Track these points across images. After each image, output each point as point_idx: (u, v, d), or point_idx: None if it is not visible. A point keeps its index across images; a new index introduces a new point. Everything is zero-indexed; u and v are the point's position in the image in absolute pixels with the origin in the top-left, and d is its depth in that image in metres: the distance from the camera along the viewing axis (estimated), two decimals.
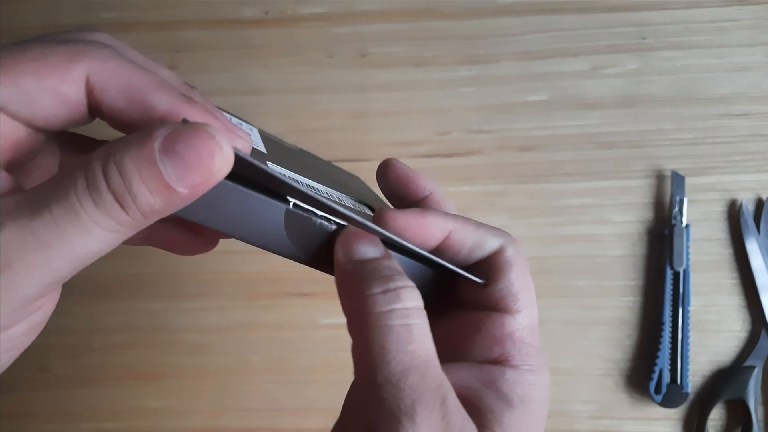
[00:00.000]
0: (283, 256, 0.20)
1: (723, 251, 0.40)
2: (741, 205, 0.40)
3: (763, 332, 0.39)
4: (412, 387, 0.17)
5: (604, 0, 0.42)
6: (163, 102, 0.16)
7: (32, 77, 0.15)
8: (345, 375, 0.44)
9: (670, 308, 0.39)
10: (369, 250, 0.19)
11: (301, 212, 0.19)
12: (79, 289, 0.42)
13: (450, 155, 0.42)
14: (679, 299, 0.39)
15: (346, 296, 0.19)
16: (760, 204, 0.40)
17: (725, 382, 0.39)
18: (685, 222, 0.40)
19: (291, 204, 0.19)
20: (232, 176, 0.16)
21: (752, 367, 0.39)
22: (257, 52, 0.42)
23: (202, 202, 0.16)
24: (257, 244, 0.19)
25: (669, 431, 0.40)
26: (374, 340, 0.18)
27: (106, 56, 0.16)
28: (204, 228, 0.19)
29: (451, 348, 0.21)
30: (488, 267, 0.22)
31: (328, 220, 0.20)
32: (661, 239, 0.40)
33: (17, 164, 0.17)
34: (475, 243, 0.21)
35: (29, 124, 0.16)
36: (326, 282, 0.43)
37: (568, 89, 0.42)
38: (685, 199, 0.40)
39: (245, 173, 0.17)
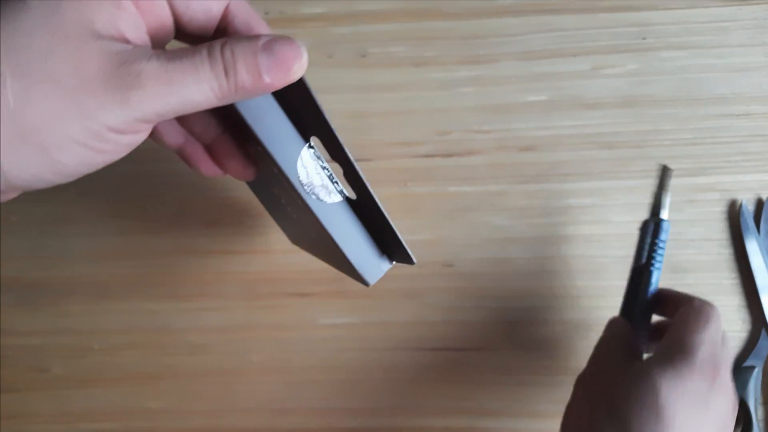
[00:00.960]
0: (284, 173, 0.24)
1: (723, 251, 0.40)
2: (741, 206, 0.40)
3: (763, 332, 0.39)
4: None
5: (604, 0, 0.42)
6: (264, 33, 0.23)
7: None
8: (345, 375, 0.44)
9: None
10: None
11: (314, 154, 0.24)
12: (79, 290, 0.42)
13: (450, 155, 0.42)
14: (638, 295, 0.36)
15: None
16: (760, 204, 0.40)
17: None
18: (664, 218, 0.38)
19: (309, 144, 0.24)
20: (280, 99, 0.23)
21: (752, 367, 0.39)
22: None
23: (256, 105, 0.23)
24: (272, 155, 0.23)
25: None
26: None
27: None
28: (228, 148, 0.26)
29: None
30: None
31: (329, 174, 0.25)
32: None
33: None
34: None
35: (177, 19, 0.22)
36: (326, 282, 0.44)
37: (568, 89, 0.42)
38: (667, 197, 0.39)
39: (293, 95, 0.23)
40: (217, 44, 0.21)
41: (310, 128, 0.24)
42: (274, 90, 0.22)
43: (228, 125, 0.27)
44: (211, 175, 0.27)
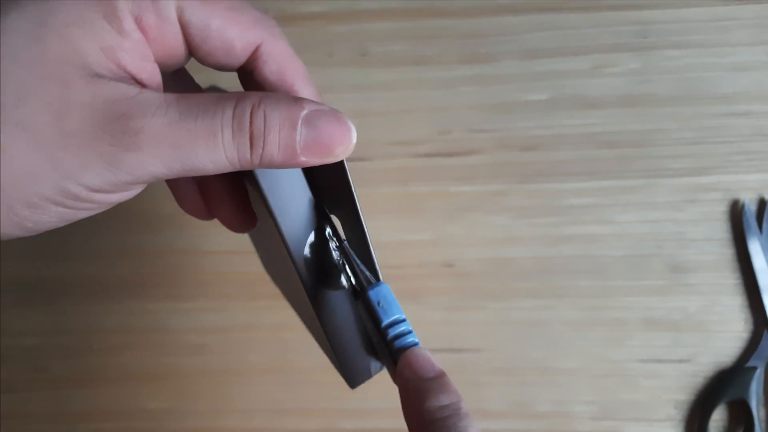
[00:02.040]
0: (292, 262, 0.21)
1: (725, 251, 0.40)
2: (743, 205, 0.40)
3: (766, 333, 0.39)
4: None
5: None
6: (304, 94, 0.19)
7: (220, 21, 0.18)
8: None
9: None
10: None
11: (334, 248, 0.21)
12: (79, 290, 0.42)
13: (450, 155, 0.42)
14: None
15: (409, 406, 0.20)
16: (762, 204, 0.40)
17: (727, 382, 0.39)
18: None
19: (328, 232, 0.21)
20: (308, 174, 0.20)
21: (754, 368, 0.38)
22: None
23: (277, 174, 0.19)
24: (281, 231, 0.20)
25: None
26: None
27: (278, 35, 0.19)
28: (239, 205, 0.22)
29: None
30: None
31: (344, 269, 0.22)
32: None
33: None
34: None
35: (192, 51, 0.18)
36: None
37: (569, 88, 0.41)
38: None
39: (327, 169, 0.19)
40: (248, 105, 0.17)
41: (334, 205, 0.21)
42: (302, 166, 0.18)
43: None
44: (197, 216, 0.23)
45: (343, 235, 0.22)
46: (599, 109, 0.41)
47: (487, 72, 0.42)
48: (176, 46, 0.18)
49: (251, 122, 0.17)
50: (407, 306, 0.44)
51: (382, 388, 0.41)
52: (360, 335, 0.23)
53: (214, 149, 0.16)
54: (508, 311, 0.41)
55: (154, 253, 0.42)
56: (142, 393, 0.42)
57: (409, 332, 0.21)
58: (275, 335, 0.42)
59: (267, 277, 0.42)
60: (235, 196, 0.23)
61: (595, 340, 0.39)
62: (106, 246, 0.42)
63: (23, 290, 0.42)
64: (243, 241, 0.42)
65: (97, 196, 0.17)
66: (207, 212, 0.23)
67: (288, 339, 0.41)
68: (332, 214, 0.21)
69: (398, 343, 0.22)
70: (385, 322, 0.21)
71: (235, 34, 0.19)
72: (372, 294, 0.21)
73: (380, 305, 0.20)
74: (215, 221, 0.24)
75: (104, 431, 0.42)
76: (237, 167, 0.17)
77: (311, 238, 0.21)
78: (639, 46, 0.41)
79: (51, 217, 0.17)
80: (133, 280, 0.42)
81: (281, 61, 0.19)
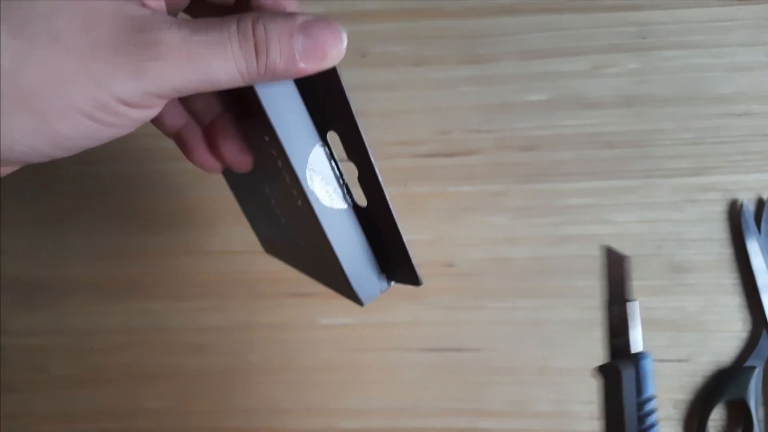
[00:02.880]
0: (292, 167, 0.21)
1: (724, 251, 0.40)
2: (742, 205, 0.40)
3: (764, 332, 0.39)
4: None
5: (605, 0, 0.42)
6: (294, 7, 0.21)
7: None
8: (345, 375, 0.44)
9: None
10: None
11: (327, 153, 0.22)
12: (79, 290, 0.42)
13: (450, 155, 0.42)
14: None
15: None
16: (760, 204, 0.40)
17: (726, 382, 0.39)
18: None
19: (324, 141, 0.22)
20: (301, 84, 0.21)
21: (753, 368, 0.39)
22: None
23: (276, 89, 0.20)
24: (283, 147, 0.21)
25: (670, 431, 0.40)
26: None
27: None
28: (231, 138, 0.24)
29: None
30: None
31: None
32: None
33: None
34: None
35: None
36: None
37: (568, 89, 0.41)
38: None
39: (318, 83, 0.21)
40: (249, 19, 0.18)
41: (330, 121, 0.22)
42: (305, 75, 0.20)
43: (232, 103, 0.24)
44: (205, 166, 0.25)
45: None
46: (598, 109, 0.41)
47: (486, 72, 0.42)
48: None
49: (254, 33, 0.18)
50: (407, 306, 0.44)
51: (382, 388, 0.41)
52: (365, 251, 0.23)
53: (225, 58, 0.18)
54: (508, 311, 0.41)
55: (154, 253, 0.42)
56: (142, 393, 0.42)
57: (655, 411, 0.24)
58: (275, 335, 0.42)
59: (267, 278, 0.42)
60: (234, 134, 0.24)
61: (595, 340, 0.40)
62: (107, 246, 0.42)
63: (23, 290, 0.42)
64: (243, 241, 0.42)
65: (123, 109, 0.18)
66: (214, 160, 0.24)
67: (288, 339, 0.41)
68: (332, 131, 0.22)
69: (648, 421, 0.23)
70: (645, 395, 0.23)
71: None
72: (641, 365, 0.24)
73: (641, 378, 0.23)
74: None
75: (104, 431, 0.42)
76: (246, 78, 0.19)
77: (312, 156, 0.22)
78: (638, 46, 0.41)
79: (80, 131, 0.18)
80: (133, 280, 0.42)
81: None
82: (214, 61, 0.18)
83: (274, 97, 0.21)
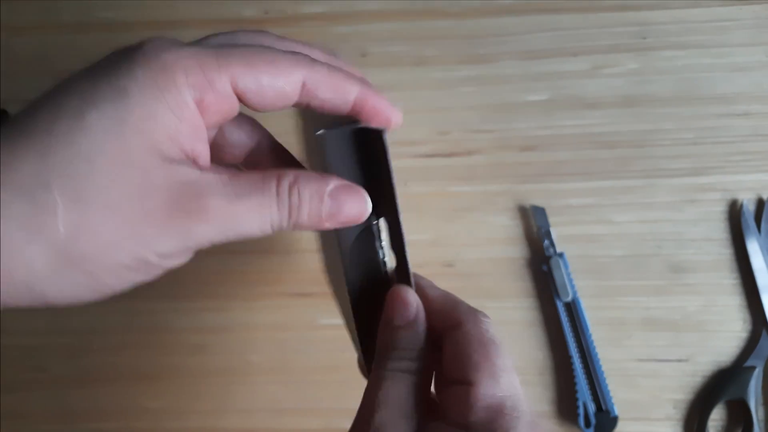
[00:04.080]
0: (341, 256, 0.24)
1: (723, 251, 0.40)
2: (742, 205, 0.40)
3: (764, 332, 0.39)
4: None
5: (605, 0, 0.42)
6: (354, 90, 0.23)
7: (268, 77, 0.20)
8: (345, 375, 0.44)
9: (573, 340, 0.39)
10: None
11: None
12: None
13: (450, 155, 0.42)
14: (578, 328, 0.39)
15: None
16: (760, 204, 0.40)
17: (726, 382, 0.39)
18: (559, 250, 0.40)
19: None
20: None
21: (753, 368, 0.39)
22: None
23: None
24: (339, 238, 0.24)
25: (669, 431, 0.40)
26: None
27: (315, 65, 0.21)
28: None
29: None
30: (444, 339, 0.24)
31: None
32: (544, 274, 0.40)
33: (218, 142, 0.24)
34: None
35: (250, 107, 0.21)
36: (326, 282, 0.43)
37: (568, 89, 0.41)
38: (552, 230, 0.40)
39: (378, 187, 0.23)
40: (286, 183, 0.21)
41: (379, 209, 0.24)
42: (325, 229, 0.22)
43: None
44: None
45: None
46: (598, 109, 0.41)
47: (486, 72, 0.42)
48: (231, 109, 0.21)
49: (289, 197, 0.21)
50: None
51: None
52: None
53: (262, 221, 0.20)
54: (508, 311, 0.41)
55: None
56: (142, 392, 0.42)
57: None
58: (275, 335, 0.42)
59: (267, 277, 0.42)
60: None
61: (595, 340, 0.40)
62: None
63: None
64: (243, 241, 0.42)
65: (162, 262, 0.19)
66: None
67: (288, 339, 0.41)
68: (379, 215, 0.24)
69: None
70: None
71: (283, 82, 0.21)
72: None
73: None
74: None
75: (104, 431, 0.42)
76: (275, 230, 0.21)
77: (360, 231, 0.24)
78: (638, 46, 0.41)
79: (121, 281, 0.19)
80: None
81: (326, 81, 0.22)
82: (253, 222, 0.20)
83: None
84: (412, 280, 0.24)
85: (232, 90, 0.20)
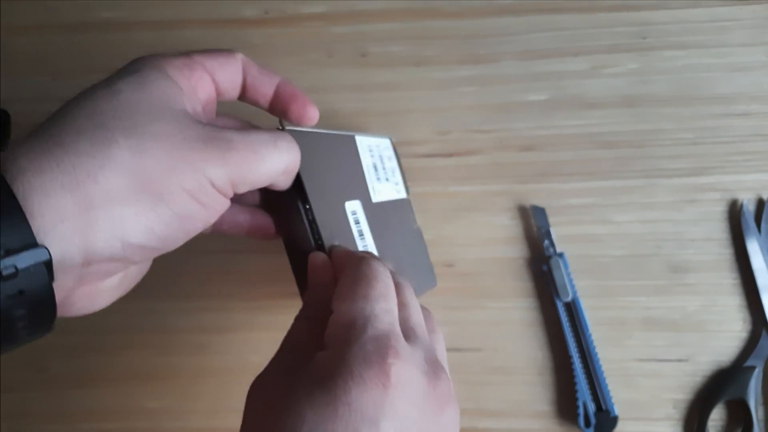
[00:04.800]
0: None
1: (723, 251, 0.40)
2: (742, 205, 0.40)
3: (764, 332, 0.39)
4: None
5: (605, 0, 0.42)
6: (277, 77, 0.29)
7: (223, 57, 0.27)
8: None
9: (573, 340, 0.39)
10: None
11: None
12: None
13: (450, 155, 0.42)
14: (578, 328, 0.39)
15: None
16: (760, 204, 0.40)
17: (726, 382, 0.39)
18: (559, 250, 0.40)
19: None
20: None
21: (753, 368, 0.39)
22: (257, 51, 0.42)
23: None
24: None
25: (669, 431, 0.40)
26: None
27: (244, 57, 0.28)
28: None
29: None
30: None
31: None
32: (544, 274, 0.40)
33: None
34: None
35: (225, 87, 0.27)
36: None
37: (568, 89, 0.41)
38: (552, 230, 0.40)
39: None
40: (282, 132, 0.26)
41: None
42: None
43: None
44: (263, 238, 0.31)
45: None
46: (598, 109, 0.41)
47: (486, 72, 0.42)
48: (210, 89, 0.26)
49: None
50: None
51: None
52: None
53: (278, 154, 0.24)
54: (508, 311, 0.41)
55: None
56: (142, 392, 0.42)
57: None
58: (275, 335, 0.41)
59: (267, 277, 0.42)
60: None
61: (595, 340, 0.40)
62: None
63: None
64: (244, 241, 0.42)
65: (214, 192, 0.22)
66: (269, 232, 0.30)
67: None
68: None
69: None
70: None
71: (232, 59, 0.27)
72: None
73: None
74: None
75: (103, 430, 0.42)
76: (285, 172, 0.26)
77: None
78: (638, 46, 0.41)
79: (186, 210, 0.22)
80: None
81: (255, 66, 0.28)
82: (269, 153, 0.24)
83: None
84: (326, 249, 0.28)
85: (205, 70, 0.26)
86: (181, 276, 0.42)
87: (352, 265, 0.25)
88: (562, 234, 0.41)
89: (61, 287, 0.20)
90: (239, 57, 0.27)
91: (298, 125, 0.29)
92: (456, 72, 0.42)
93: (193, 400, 0.41)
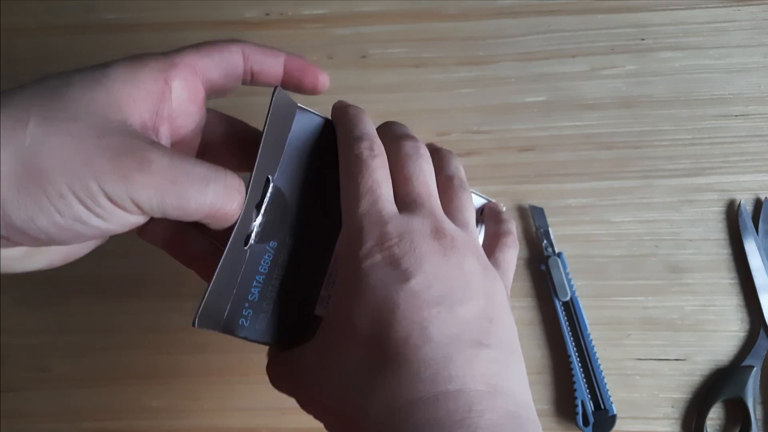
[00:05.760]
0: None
1: (721, 251, 0.40)
2: (739, 206, 0.40)
3: (762, 332, 0.39)
4: None
5: (603, 1, 0.42)
6: (282, 54, 0.28)
7: (216, 51, 0.26)
8: None
9: (571, 339, 0.40)
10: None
11: None
12: (80, 288, 0.42)
13: None
14: (576, 328, 0.40)
15: None
16: (758, 204, 0.40)
17: (724, 381, 0.39)
18: (557, 250, 0.40)
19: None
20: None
21: (751, 367, 0.39)
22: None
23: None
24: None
25: (668, 431, 0.40)
26: None
27: (245, 41, 0.27)
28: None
29: None
30: None
31: None
32: (542, 274, 0.40)
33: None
34: None
35: (215, 87, 0.26)
36: None
37: (567, 90, 0.42)
38: (550, 230, 0.40)
39: None
40: (231, 175, 0.23)
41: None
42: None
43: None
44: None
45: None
46: (597, 110, 0.42)
47: (485, 74, 0.42)
48: (196, 91, 0.25)
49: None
50: None
51: None
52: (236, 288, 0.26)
53: (201, 193, 0.22)
54: None
55: (156, 251, 0.42)
56: (143, 391, 0.42)
57: None
58: None
59: None
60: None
61: (593, 339, 0.40)
62: (108, 244, 0.42)
63: (24, 289, 0.43)
64: None
65: (108, 205, 0.21)
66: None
67: None
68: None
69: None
70: None
71: (227, 53, 0.26)
72: None
73: None
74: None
75: (106, 430, 0.42)
76: (216, 218, 0.23)
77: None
78: (636, 48, 0.42)
79: (71, 212, 0.21)
80: (135, 278, 0.42)
81: (258, 50, 0.27)
82: (192, 191, 0.22)
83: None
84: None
85: (195, 70, 0.25)
86: (183, 274, 0.42)
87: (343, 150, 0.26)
88: (560, 234, 0.41)
89: None
90: (236, 48, 0.26)
91: (313, 94, 0.28)
92: (455, 73, 0.42)
93: (195, 398, 0.42)
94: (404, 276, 0.22)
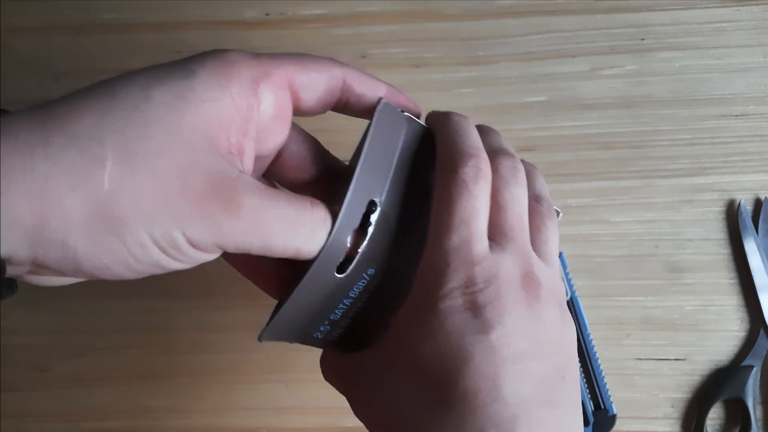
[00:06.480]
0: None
1: (721, 251, 0.41)
2: (739, 206, 0.40)
3: (762, 332, 0.39)
4: None
5: (603, 1, 0.42)
6: (383, 87, 0.25)
7: (317, 72, 0.23)
8: None
9: None
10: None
11: None
12: (81, 288, 0.42)
13: None
14: (576, 327, 0.39)
15: None
16: (758, 204, 0.40)
17: (724, 381, 0.39)
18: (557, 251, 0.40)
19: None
20: None
21: (750, 367, 0.39)
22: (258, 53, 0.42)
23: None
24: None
25: (668, 430, 0.40)
26: None
27: (348, 66, 0.24)
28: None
29: None
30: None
31: None
32: None
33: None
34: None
35: (305, 107, 0.23)
36: None
37: (566, 90, 0.42)
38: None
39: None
40: (321, 210, 0.22)
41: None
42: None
43: None
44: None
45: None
46: (597, 110, 0.42)
47: (485, 74, 0.42)
48: (285, 108, 0.22)
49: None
50: None
51: None
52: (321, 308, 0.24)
53: (289, 235, 0.20)
54: None
55: None
56: (144, 391, 0.42)
57: None
58: None
59: None
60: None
61: (593, 339, 0.40)
62: None
63: (24, 289, 0.43)
64: None
65: (190, 250, 0.20)
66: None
67: None
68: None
69: None
70: None
71: (328, 76, 0.23)
72: None
73: None
74: None
75: (107, 430, 0.42)
76: (299, 256, 0.21)
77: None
78: (636, 48, 0.42)
79: (149, 259, 0.19)
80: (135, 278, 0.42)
81: (360, 80, 0.24)
82: (281, 232, 0.20)
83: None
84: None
85: (288, 85, 0.22)
86: (184, 274, 0.42)
87: (444, 188, 0.23)
88: (560, 234, 0.41)
89: (11, 273, 0.19)
90: (338, 73, 0.23)
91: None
92: (455, 74, 0.42)
93: (196, 398, 0.42)
94: (484, 327, 0.20)
